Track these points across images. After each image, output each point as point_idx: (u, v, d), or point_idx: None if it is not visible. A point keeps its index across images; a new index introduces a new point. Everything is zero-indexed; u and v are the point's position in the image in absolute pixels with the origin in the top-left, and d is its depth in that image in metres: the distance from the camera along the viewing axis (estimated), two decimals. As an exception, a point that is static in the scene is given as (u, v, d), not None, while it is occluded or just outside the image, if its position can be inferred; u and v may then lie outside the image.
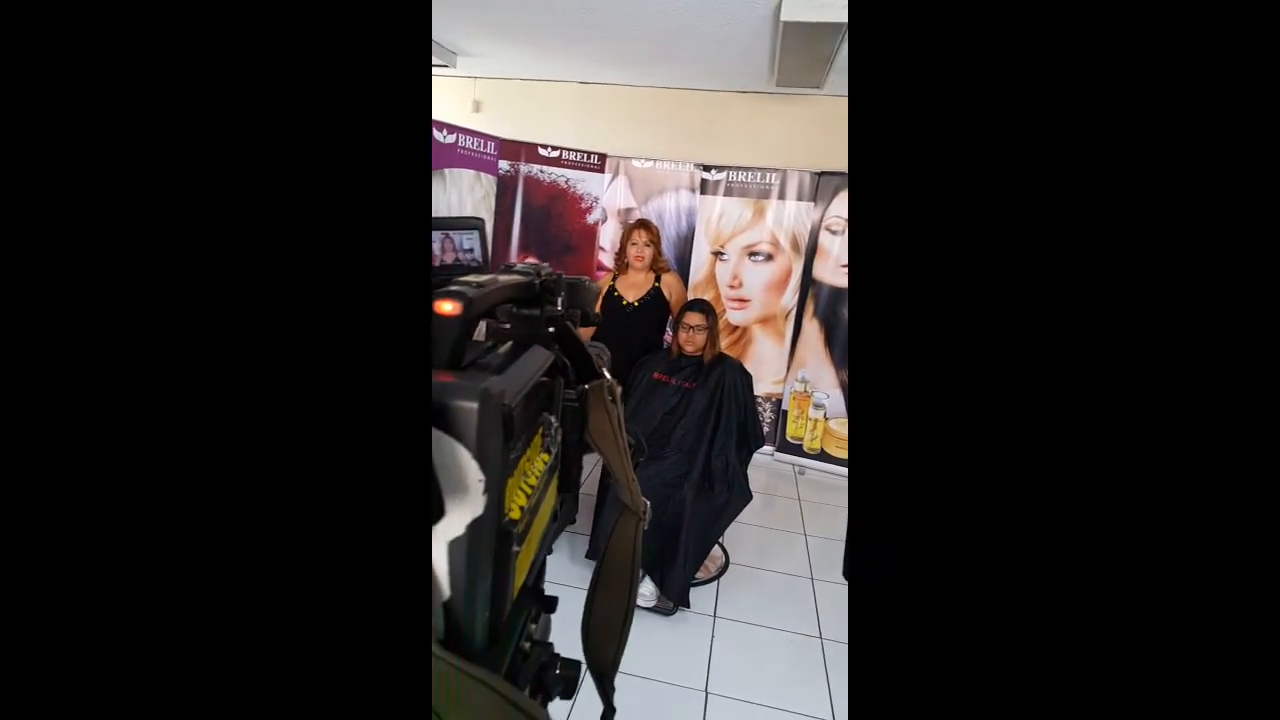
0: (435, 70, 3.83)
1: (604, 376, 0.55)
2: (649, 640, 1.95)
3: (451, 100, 4.00)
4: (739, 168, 3.22)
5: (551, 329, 0.56)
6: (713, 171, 3.25)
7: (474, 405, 0.30)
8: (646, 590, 2.10)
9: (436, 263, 0.66)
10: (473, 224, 0.64)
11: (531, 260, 0.62)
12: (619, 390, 0.54)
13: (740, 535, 2.59)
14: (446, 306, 0.37)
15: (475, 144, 2.93)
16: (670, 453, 2.22)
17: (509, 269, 0.53)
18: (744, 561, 2.51)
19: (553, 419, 0.48)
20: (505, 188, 3.14)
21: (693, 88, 3.67)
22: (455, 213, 2.87)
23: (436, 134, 2.73)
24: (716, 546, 2.35)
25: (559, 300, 0.58)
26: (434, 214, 3.04)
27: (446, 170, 2.80)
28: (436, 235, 0.65)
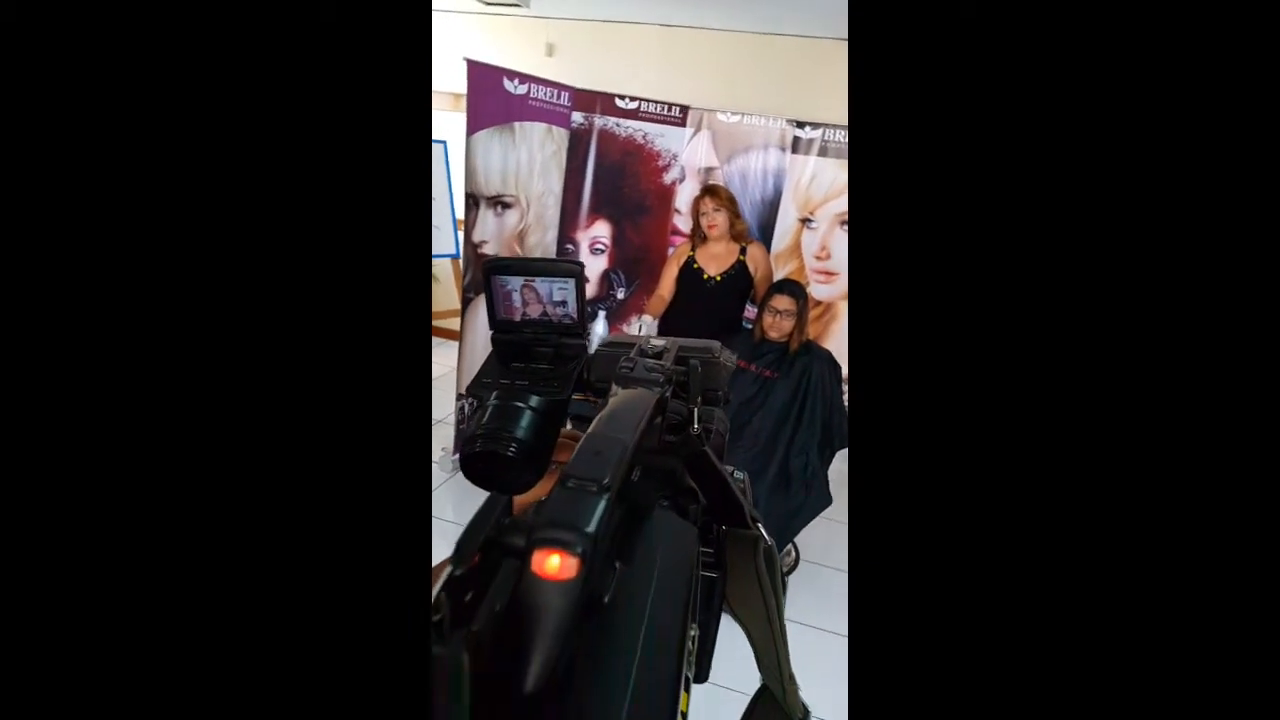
0: (507, 10, 3.59)
1: (755, 527, 0.38)
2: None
3: (522, 44, 3.76)
4: (837, 125, 2.88)
5: (680, 440, 0.39)
6: (806, 129, 2.92)
7: None
8: (712, 590, 1.98)
9: (518, 316, 0.49)
10: (569, 270, 0.47)
11: (654, 339, 0.44)
12: (775, 551, 0.37)
13: (809, 529, 2.43)
14: (553, 562, 0.20)
15: (548, 94, 2.71)
16: (743, 447, 2.03)
17: (628, 375, 0.36)
18: (813, 558, 2.35)
19: (694, 628, 0.32)
20: (578, 142, 2.92)
21: (788, 33, 3.30)
22: (525, 171, 2.68)
23: (507, 84, 2.52)
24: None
25: (692, 400, 0.40)
26: (504, 189, 2.80)
27: (517, 124, 2.60)
28: (515, 281, 0.48)
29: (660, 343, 0.43)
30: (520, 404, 0.44)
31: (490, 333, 0.49)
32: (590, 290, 3.07)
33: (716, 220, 2.37)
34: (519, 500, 0.54)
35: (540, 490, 0.47)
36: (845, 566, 1.89)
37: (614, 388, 0.34)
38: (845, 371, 2.30)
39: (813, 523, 2.24)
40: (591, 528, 0.21)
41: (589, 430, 0.27)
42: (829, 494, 2.10)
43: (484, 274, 0.47)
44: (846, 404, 2.18)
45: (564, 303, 0.48)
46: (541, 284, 0.47)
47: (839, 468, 2.87)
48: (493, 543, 0.21)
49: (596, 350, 0.48)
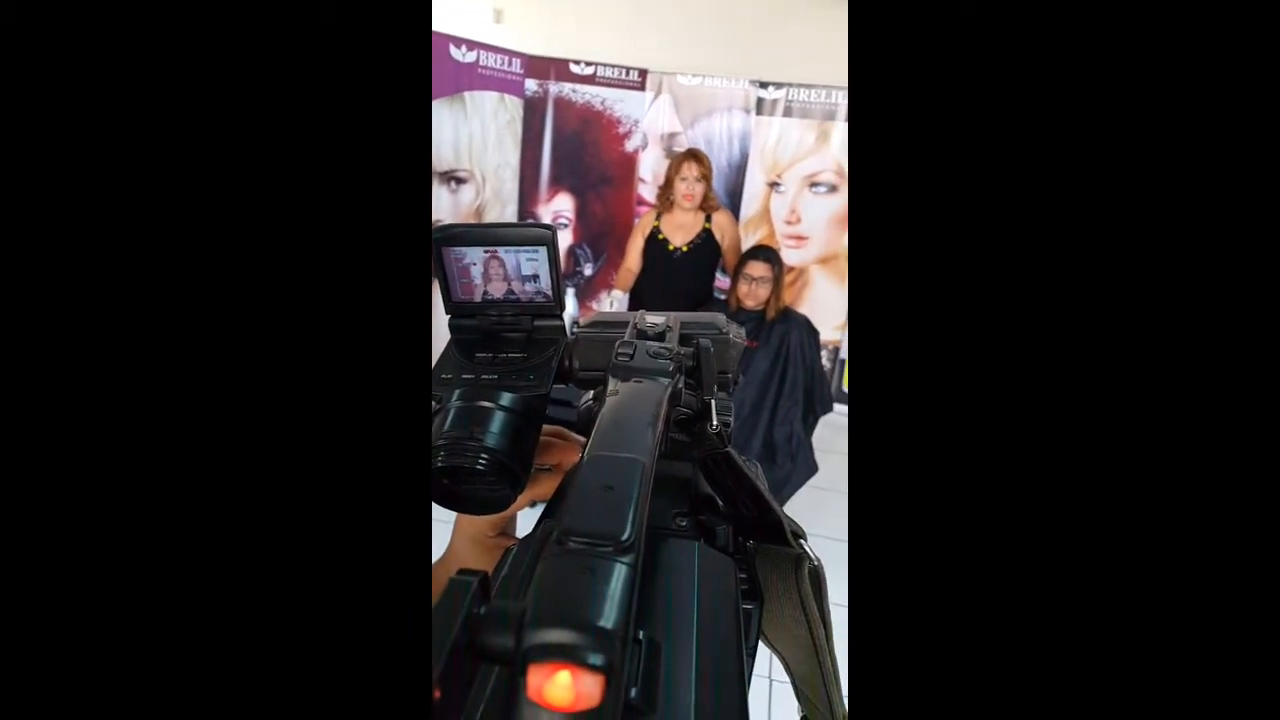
0: (450, -28, 3.39)
1: (796, 543, 0.31)
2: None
3: (468, 10, 3.57)
4: (801, 85, 2.79)
5: (698, 446, 0.31)
6: (770, 89, 2.83)
7: None
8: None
9: (479, 295, 0.40)
10: (539, 236, 0.38)
11: (650, 316, 0.36)
12: (822, 572, 0.30)
13: (795, 498, 2.40)
14: (560, 686, 0.12)
15: (498, 62, 2.56)
16: (726, 420, 1.98)
17: (628, 365, 0.28)
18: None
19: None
20: (533, 111, 2.78)
21: (744, -13, 3.19)
22: (478, 143, 2.54)
23: (454, 51, 2.37)
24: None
25: (705, 390, 0.33)
26: (457, 163, 2.64)
27: (466, 94, 2.46)
28: (478, 253, 0.39)
29: (659, 320, 0.35)
30: (488, 404, 0.35)
31: (447, 318, 0.41)
32: (556, 267, 2.97)
33: (695, 191, 2.26)
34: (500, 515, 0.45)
35: (533, 495, 0.39)
36: (832, 535, 1.87)
37: (611, 383, 0.27)
38: (823, 337, 2.26)
39: (798, 491, 2.21)
40: (612, 621, 0.13)
41: (587, 449, 0.19)
42: (814, 462, 2.07)
43: (434, 246, 0.38)
44: (840, 387, 2.14)
45: (535, 276, 0.39)
46: (506, 255, 0.39)
47: (821, 434, 2.84)
48: (464, 649, 0.13)
49: (579, 333, 0.40)
